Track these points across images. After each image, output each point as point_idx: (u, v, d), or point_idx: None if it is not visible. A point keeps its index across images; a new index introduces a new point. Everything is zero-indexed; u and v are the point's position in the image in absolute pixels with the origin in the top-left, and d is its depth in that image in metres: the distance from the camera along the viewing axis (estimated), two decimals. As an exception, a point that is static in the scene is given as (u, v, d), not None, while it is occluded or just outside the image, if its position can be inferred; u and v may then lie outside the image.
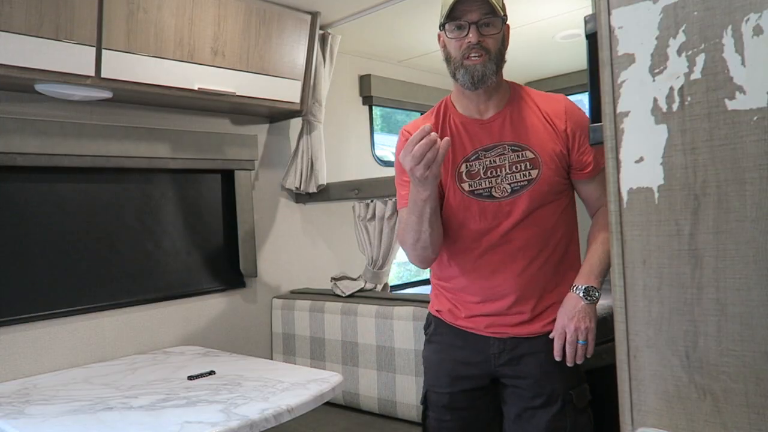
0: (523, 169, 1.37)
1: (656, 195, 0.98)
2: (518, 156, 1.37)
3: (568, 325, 1.32)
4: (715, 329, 0.92)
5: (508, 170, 1.37)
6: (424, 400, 1.51)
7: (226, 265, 2.58)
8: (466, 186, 1.39)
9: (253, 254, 2.61)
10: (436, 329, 1.52)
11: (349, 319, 2.33)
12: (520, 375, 1.41)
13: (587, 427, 1.43)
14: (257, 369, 1.82)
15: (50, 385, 1.79)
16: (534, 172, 1.36)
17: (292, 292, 2.76)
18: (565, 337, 1.33)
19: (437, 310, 1.51)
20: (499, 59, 1.37)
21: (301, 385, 1.61)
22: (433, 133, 1.18)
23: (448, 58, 1.39)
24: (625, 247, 1.02)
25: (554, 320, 1.40)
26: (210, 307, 2.49)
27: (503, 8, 1.37)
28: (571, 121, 1.40)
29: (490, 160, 1.38)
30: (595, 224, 1.45)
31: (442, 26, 1.36)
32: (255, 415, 1.38)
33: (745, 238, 0.89)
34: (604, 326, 2.19)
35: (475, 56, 1.33)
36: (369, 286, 2.51)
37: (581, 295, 1.34)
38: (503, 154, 1.38)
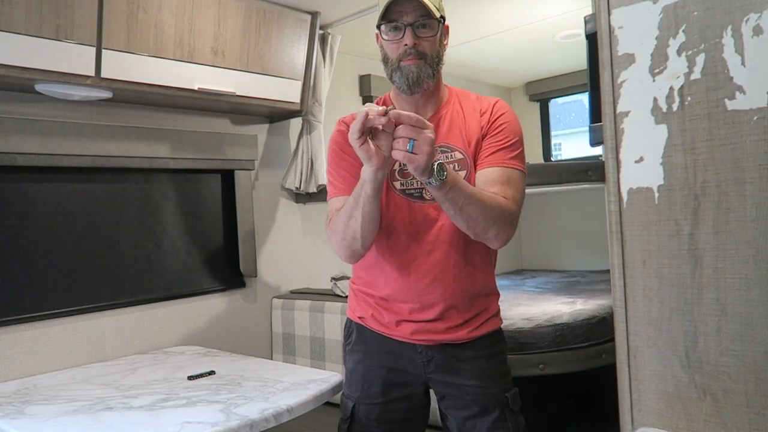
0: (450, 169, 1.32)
1: (656, 195, 0.98)
2: (447, 157, 1.33)
3: (426, 140, 1.08)
4: (715, 329, 0.93)
5: None
6: (350, 416, 1.41)
7: (226, 265, 2.58)
8: (398, 185, 1.35)
9: (253, 254, 2.61)
10: (358, 337, 1.44)
11: (349, 319, 2.33)
12: (453, 383, 1.36)
13: (525, 430, 1.38)
14: (257, 369, 1.82)
15: (50, 385, 1.79)
16: (463, 174, 1.32)
17: (292, 292, 2.76)
18: (416, 126, 1.09)
19: (359, 317, 1.43)
20: (436, 62, 1.33)
21: (301, 385, 1.61)
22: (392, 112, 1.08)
23: (385, 60, 1.35)
24: (625, 247, 1.03)
25: (481, 325, 1.36)
26: (210, 307, 2.49)
27: (441, 9, 1.33)
28: (495, 114, 1.36)
29: None
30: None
31: (378, 27, 1.33)
32: (255, 415, 1.38)
33: (745, 238, 0.89)
34: (604, 326, 2.20)
35: (411, 59, 1.30)
36: (369, 286, 2.51)
37: (435, 163, 1.12)
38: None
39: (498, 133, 1.34)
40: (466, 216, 1.21)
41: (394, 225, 1.35)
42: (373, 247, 1.37)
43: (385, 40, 1.34)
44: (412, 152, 1.08)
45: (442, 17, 1.34)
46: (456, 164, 1.33)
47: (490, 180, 1.30)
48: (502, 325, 1.45)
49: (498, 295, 1.44)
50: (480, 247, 1.35)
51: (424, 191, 1.34)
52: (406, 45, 1.29)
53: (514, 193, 1.30)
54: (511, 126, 1.36)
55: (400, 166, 1.35)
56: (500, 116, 1.36)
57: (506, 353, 1.44)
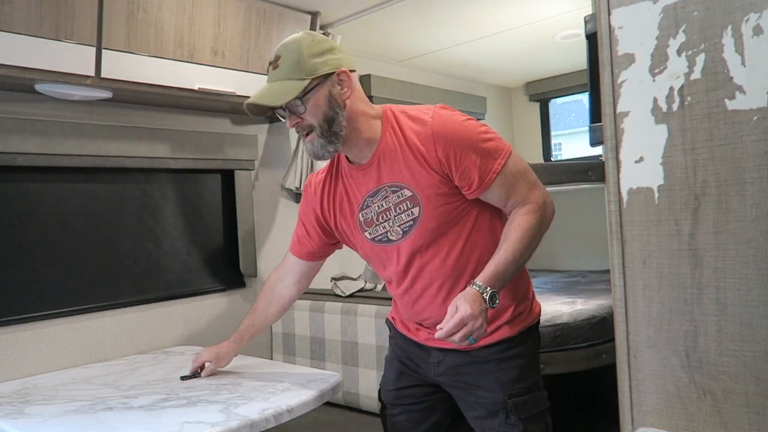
0: (405, 209, 1.31)
1: (656, 195, 0.98)
2: (398, 196, 1.31)
3: (474, 323, 1.15)
4: (715, 329, 0.93)
5: (394, 212, 1.32)
6: (380, 399, 1.57)
7: (226, 265, 2.58)
8: (367, 235, 1.38)
9: (253, 254, 2.61)
10: (391, 332, 1.58)
11: (349, 319, 2.33)
12: (459, 385, 1.39)
13: None
14: (257, 369, 1.82)
15: (50, 385, 1.79)
16: (416, 210, 1.29)
17: (292, 292, 2.76)
18: (459, 329, 1.15)
19: (392, 317, 1.57)
20: (328, 127, 1.26)
21: (301, 385, 1.61)
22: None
23: None
24: (625, 247, 1.03)
25: (489, 334, 1.34)
26: (210, 307, 2.49)
27: (312, 67, 1.24)
28: (440, 144, 1.25)
29: (378, 205, 1.34)
30: (509, 221, 1.32)
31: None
32: (255, 415, 1.38)
33: (745, 238, 0.89)
34: (604, 326, 2.20)
35: (304, 135, 1.30)
36: (369, 286, 2.51)
37: (487, 298, 1.19)
38: (387, 197, 1.32)
39: (458, 164, 1.25)
40: (523, 264, 1.29)
41: (380, 267, 1.43)
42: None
43: (284, 121, 1.32)
44: (475, 342, 1.18)
45: (326, 74, 1.26)
46: (408, 202, 1.30)
47: (501, 198, 1.30)
48: (519, 330, 1.39)
49: (516, 301, 1.38)
50: (477, 262, 1.32)
51: (389, 233, 1.34)
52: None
53: (525, 183, 1.29)
54: (459, 145, 1.25)
55: (363, 216, 1.36)
56: (442, 150, 1.25)
57: (523, 358, 1.38)
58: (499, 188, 1.28)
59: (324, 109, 1.26)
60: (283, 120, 1.32)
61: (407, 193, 1.30)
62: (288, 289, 1.66)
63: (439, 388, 1.45)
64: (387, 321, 1.60)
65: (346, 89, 1.29)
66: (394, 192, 1.31)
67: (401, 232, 1.32)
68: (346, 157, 1.38)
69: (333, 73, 1.27)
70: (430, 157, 1.26)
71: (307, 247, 1.58)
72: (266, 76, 1.35)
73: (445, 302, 1.33)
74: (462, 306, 1.15)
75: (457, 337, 1.14)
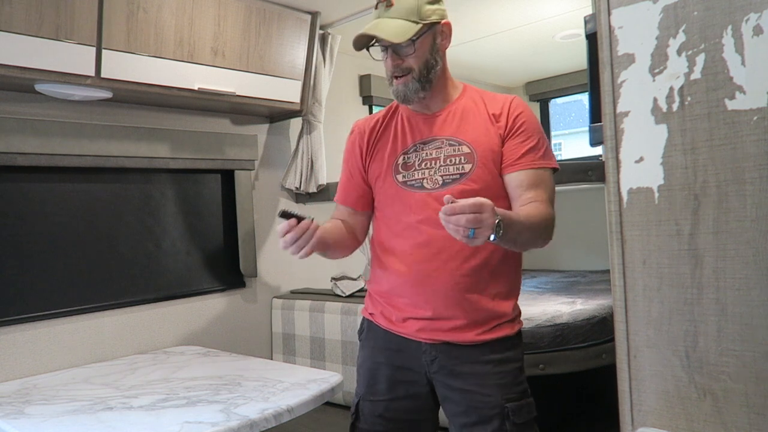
0: (456, 162, 1.33)
1: (656, 195, 0.98)
2: (454, 150, 1.34)
3: (488, 216, 1.06)
4: (715, 329, 0.93)
5: (442, 163, 1.34)
6: (356, 412, 1.42)
7: (226, 265, 2.58)
8: (400, 177, 1.37)
9: (253, 254, 2.61)
10: (368, 333, 1.45)
11: (349, 319, 2.33)
12: (453, 386, 1.32)
13: None
14: (257, 369, 1.82)
15: (50, 385, 1.79)
16: (467, 167, 1.31)
17: (292, 292, 2.76)
18: (472, 211, 1.05)
19: (370, 313, 1.46)
20: (426, 72, 1.32)
21: (301, 385, 1.61)
22: (302, 223, 1.27)
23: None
24: (625, 247, 1.03)
25: (492, 329, 1.32)
26: (210, 307, 2.49)
27: (425, 16, 1.30)
28: (516, 110, 1.34)
29: (426, 153, 1.36)
30: (526, 207, 1.29)
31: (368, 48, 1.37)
32: (255, 415, 1.38)
33: (745, 238, 0.89)
34: (604, 326, 2.20)
35: (397, 77, 1.33)
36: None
37: (497, 220, 1.09)
38: (440, 147, 1.35)
39: (521, 133, 1.33)
40: (521, 245, 1.24)
41: (396, 217, 1.37)
42: (379, 240, 1.41)
43: (377, 60, 1.38)
44: (473, 237, 1.05)
45: (433, 22, 1.32)
46: (462, 157, 1.33)
47: (523, 184, 1.31)
48: (518, 330, 1.38)
49: (515, 301, 1.38)
50: (493, 247, 1.30)
51: (425, 181, 1.34)
52: (389, 66, 1.34)
53: (548, 194, 1.33)
54: (532, 124, 1.35)
55: (404, 159, 1.38)
56: (518, 116, 1.35)
57: (520, 361, 1.36)
58: (531, 180, 1.31)
59: (427, 56, 1.33)
60: (378, 59, 1.37)
61: (465, 149, 1.34)
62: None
63: (428, 400, 1.38)
64: (365, 321, 1.48)
65: (446, 41, 1.36)
66: (451, 145, 1.35)
67: (441, 182, 1.32)
68: (406, 106, 1.43)
69: (439, 22, 1.34)
70: (500, 122, 1.34)
71: (352, 194, 1.48)
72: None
73: (455, 272, 1.30)
74: (485, 199, 1.07)
75: (464, 219, 1.03)
